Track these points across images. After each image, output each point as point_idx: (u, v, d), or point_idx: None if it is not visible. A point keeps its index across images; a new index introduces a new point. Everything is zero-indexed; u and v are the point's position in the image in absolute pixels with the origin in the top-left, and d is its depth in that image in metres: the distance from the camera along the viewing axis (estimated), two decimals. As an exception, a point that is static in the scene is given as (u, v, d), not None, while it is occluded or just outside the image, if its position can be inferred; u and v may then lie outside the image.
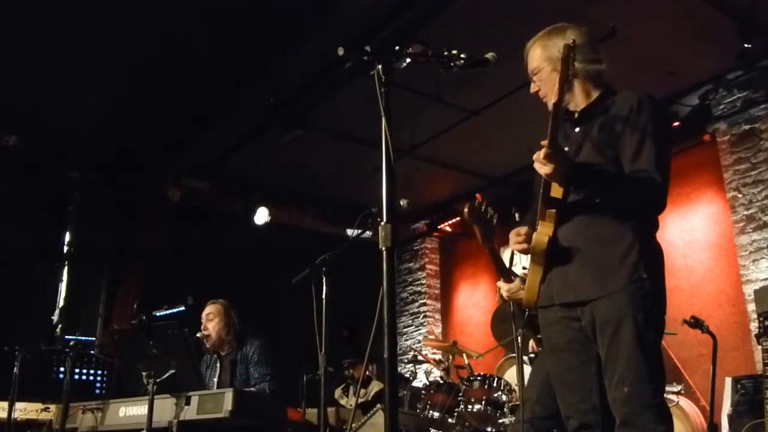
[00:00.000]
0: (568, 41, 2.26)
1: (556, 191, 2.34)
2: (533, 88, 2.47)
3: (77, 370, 4.75)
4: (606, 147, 2.30)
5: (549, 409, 2.86)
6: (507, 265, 3.74)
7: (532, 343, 3.71)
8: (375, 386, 6.23)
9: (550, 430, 2.90)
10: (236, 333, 4.59)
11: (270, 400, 4.09)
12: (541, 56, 2.42)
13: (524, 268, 2.55)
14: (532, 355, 4.37)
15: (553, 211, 2.32)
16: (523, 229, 2.42)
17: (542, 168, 2.16)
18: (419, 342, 8.84)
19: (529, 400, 2.91)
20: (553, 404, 2.79)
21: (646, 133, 2.24)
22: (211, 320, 4.56)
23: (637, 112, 2.27)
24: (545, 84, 2.41)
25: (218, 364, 4.59)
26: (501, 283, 3.03)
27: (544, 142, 2.13)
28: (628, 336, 2.15)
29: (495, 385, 4.72)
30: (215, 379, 4.53)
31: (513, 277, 3.00)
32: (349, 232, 3.90)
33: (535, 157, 2.16)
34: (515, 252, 3.57)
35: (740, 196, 5.71)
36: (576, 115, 2.43)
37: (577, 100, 2.43)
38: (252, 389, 4.33)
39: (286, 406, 4.19)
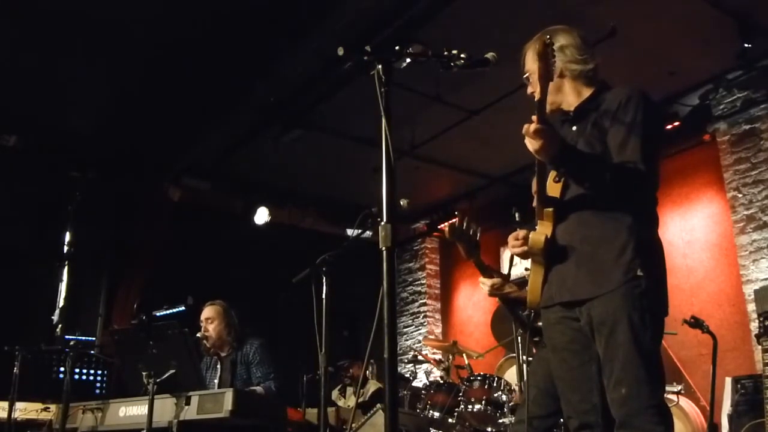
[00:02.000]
0: (559, 43, 2.30)
1: (553, 189, 2.35)
2: (528, 90, 2.49)
3: (77, 370, 4.75)
4: (596, 142, 2.32)
5: (547, 409, 2.87)
6: (507, 266, 3.75)
7: None
8: (372, 386, 6.23)
9: (550, 429, 2.91)
10: (236, 333, 4.58)
11: (270, 399, 4.09)
12: (533, 59, 2.44)
13: (526, 269, 2.56)
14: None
15: (551, 209, 2.32)
16: (522, 233, 2.43)
17: (531, 143, 2.13)
18: (419, 342, 8.84)
19: (527, 400, 2.92)
20: (551, 403, 2.79)
21: (633, 126, 2.24)
22: (212, 322, 4.55)
23: (625, 106, 2.28)
24: (536, 86, 2.44)
25: (218, 366, 4.58)
26: (483, 279, 3.03)
27: (534, 118, 2.11)
28: (623, 336, 2.15)
29: (495, 385, 4.72)
30: (216, 381, 4.52)
31: (494, 275, 3.01)
32: (349, 232, 3.89)
33: (524, 130, 2.13)
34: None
35: (740, 196, 5.71)
36: (571, 114, 2.44)
37: (569, 100, 2.46)
38: (255, 388, 4.33)
39: (286, 406, 4.19)
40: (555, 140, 2.14)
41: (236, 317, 4.65)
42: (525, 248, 2.39)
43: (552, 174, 2.36)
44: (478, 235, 2.86)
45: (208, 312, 4.60)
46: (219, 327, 4.54)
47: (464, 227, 2.81)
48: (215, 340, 4.53)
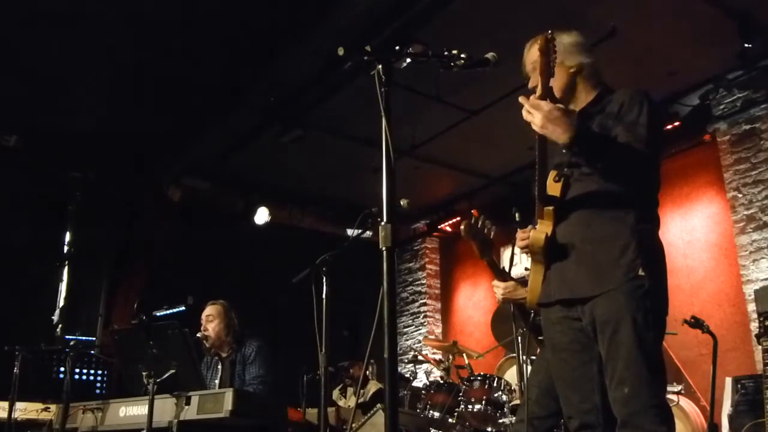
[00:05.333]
0: (574, 39, 2.31)
1: (553, 189, 2.35)
2: (531, 83, 2.47)
3: (77, 370, 4.76)
4: None
5: (547, 409, 2.87)
6: (507, 265, 3.75)
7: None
8: (372, 386, 6.23)
9: (550, 430, 2.91)
10: (236, 333, 4.59)
11: (270, 400, 4.09)
12: (536, 52, 2.43)
13: (526, 268, 2.57)
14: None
15: (551, 208, 2.33)
16: (531, 229, 2.43)
17: (534, 114, 2.13)
18: (419, 342, 8.84)
19: (528, 400, 2.92)
20: (551, 404, 2.79)
21: (637, 124, 2.25)
22: (211, 321, 4.56)
23: (629, 105, 2.29)
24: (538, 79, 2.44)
25: (219, 366, 4.59)
26: (496, 282, 3.04)
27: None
28: (627, 336, 2.15)
29: (495, 385, 4.71)
30: (216, 381, 4.53)
31: (508, 279, 3.02)
32: (349, 232, 3.89)
33: (522, 99, 2.15)
34: (516, 252, 3.60)
35: (740, 196, 5.71)
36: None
37: (580, 99, 2.46)
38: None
39: (286, 405, 4.19)
40: (559, 110, 2.14)
41: (237, 318, 4.66)
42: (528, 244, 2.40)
43: (552, 173, 2.37)
44: (492, 233, 2.86)
45: (208, 310, 4.62)
46: (218, 326, 4.55)
47: (479, 225, 2.81)
48: (214, 339, 4.53)
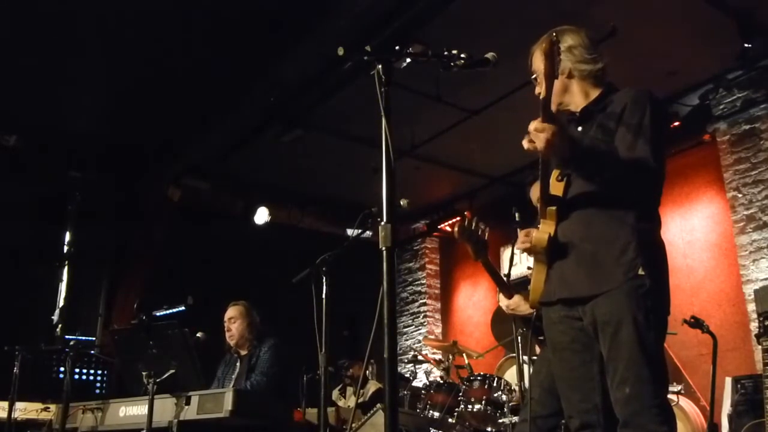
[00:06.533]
0: (567, 43, 2.31)
1: (556, 188, 2.35)
2: (536, 90, 2.47)
3: (77, 370, 4.77)
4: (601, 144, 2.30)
5: (550, 408, 2.87)
6: (507, 265, 3.75)
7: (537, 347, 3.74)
8: (372, 386, 6.23)
9: (553, 429, 2.91)
10: (258, 332, 4.71)
11: (270, 399, 4.10)
12: (540, 59, 2.43)
13: (529, 268, 2.57)
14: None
15: (554, 208, 2.33)
16: (533, 230, 2.43)
17: (536, 141, 2.13)
18: (419, 342, 8.84)
19: (531, 399, 2.93)
20: (554, 403, 2.80)
21: (640, 127, 2.23)
22: (234, 322, 4.69)
23: (632, 107, 2.28)
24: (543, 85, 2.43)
25: (237, 363, 4.70)
26: (501, 297, 3.08)
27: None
28: (628, 336, 2.15)
29: (495, 384, 4.71)
30: (233, 376, 4.63)
31: (513, 292, 3.04)
32: (349, 232, 3.89)
33: (530, 127, 2.14)
34: (515, 252, 3.62)
35: (740, 196, 5.71)
36: (577, 115, 2.44)
37: (576, 101, 2.46)
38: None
39: (291, 406, 4.20)
40: (563, 137, 2.13)
41: (258, 316, 4.77)
42: (529, 245, 2.40)
43: (555, 172, 2.36)
44: (486, 234, 2.87)
45: (230, 312, 4.73)
46: (242, 326, 4.68)
47: (473, 227, 2.83)
48: (238, 339, 4.67)
